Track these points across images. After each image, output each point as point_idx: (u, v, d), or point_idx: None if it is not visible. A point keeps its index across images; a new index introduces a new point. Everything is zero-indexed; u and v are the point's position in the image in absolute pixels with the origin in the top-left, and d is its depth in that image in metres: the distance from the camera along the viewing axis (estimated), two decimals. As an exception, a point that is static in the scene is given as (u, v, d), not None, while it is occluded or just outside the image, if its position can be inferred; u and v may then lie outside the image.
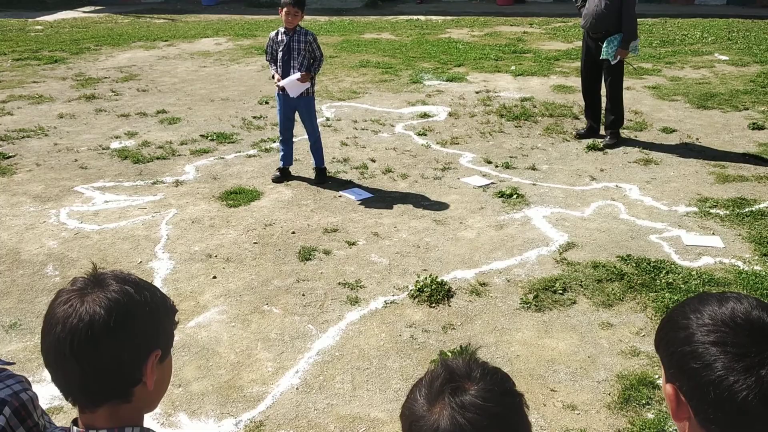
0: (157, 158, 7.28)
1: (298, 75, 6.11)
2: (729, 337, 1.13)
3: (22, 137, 8.03)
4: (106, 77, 11.04)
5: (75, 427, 1.30)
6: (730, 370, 1.10)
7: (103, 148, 7.62)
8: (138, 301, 1.28)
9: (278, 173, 6.63)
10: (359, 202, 6.11)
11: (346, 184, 6.50)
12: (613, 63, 7.14)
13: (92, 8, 20.29)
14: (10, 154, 7.43)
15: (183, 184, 6.56)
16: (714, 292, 1.27)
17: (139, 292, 1.30)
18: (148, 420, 3.48)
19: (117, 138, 7.98)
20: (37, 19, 17.98)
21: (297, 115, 6.52)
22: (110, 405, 1.28)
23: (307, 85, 6.25)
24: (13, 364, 1.56)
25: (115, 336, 1.24)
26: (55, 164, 7.16)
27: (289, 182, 6.57)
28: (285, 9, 6.07)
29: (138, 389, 1.30)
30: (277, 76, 6.25)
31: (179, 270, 4.99)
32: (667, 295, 4.47)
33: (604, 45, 7.12)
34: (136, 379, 1.29)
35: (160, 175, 6.80)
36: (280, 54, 6.22)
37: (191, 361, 3.96)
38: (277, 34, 6.29)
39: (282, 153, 6.62)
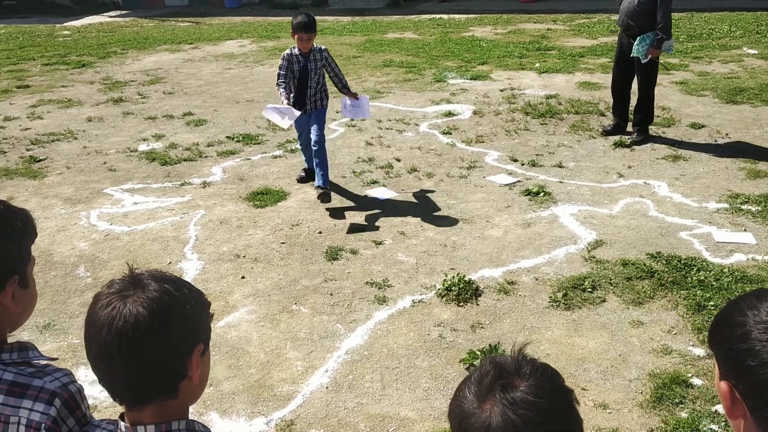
0: (185, 160, 7.35)
1: (366, 98, 6.43)
2: None
3: (53, 141, 8.15)
4: (132, 80, 11.17)
5: (122, 423, 1.33)
6: None
7: (131, 151, 7.71)
8: (178, 298, 1.30)
9: (303, 174, 6.63)
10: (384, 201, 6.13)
11: (372, 184, 6.51)
12: (643, 62, 7.06)
13: (118, 13, 20.54)
14: (41, 158, 7.56)
15: (210, 186, 6.62)
16: None
17: (177, 289, 1.32)
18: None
19: (144, 140, 8.07)
20: (65, 24, 18.25)
21: None
22: (158, 402, 1.30)
23: (367, 96, 6.59)
24: (56, 359, 1.59)
25: (160, 335, 1.26)
26: (85, 167, 7.26)
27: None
28: (297, 35, 5.93)
29: (183, 384, 1.32)
30: (286, 102, 5.96)
31: (208, 270, 5.04)
32: (698, 292, 4.42)
33: (636, 43, 7.03)
34: (182, 375, 1.31)
35: (188, 177, 6.87)
36: (296, 76, 6.05)
37: (221, 360, 3.99)
38: (291, 54, 6.07)
39: (305, 157, 6.64)
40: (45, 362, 1.50)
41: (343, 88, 6.34)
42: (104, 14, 20.11)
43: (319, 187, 5.91)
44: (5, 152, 7.80)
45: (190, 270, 5.04)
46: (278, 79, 6.12)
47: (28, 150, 7.85)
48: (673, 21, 7.39)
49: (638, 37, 7.00)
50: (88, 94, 10.37)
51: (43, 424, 1.39)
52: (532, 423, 1.08)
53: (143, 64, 12.48)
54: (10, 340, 1.55)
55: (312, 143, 6.09)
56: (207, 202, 6.23)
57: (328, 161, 6.08)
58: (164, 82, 11.06)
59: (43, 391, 1.41)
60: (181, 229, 5.71)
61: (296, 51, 6.04)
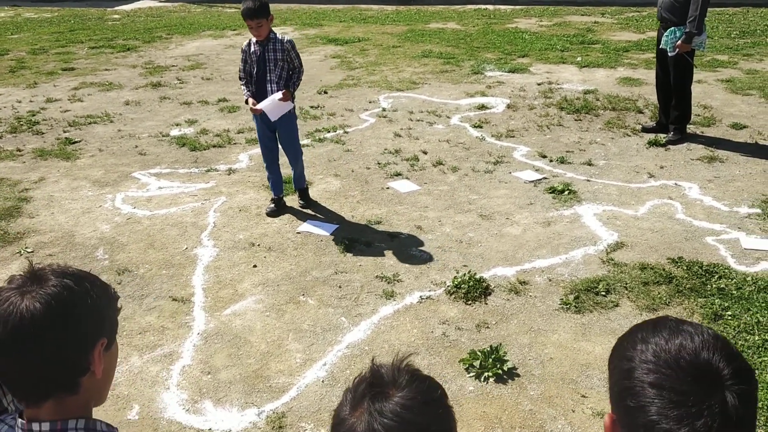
0: (214, 146, 7.41)
1: (278, 95, 5.27)
2: (668, 381, 1.04)
3: (89, 123, 8.32)
4: (173, 65, 11.32)
5: (20, 419, 1.32)
6: (663, 416, 1.02)
7: (163, 135, 7.81)
8: (78, 293, 1.29)
9: (273, 206, 5.76)
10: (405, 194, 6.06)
11: (395, 176, 6.45)
12: (670, 55, 6.81)
13: (168, -3, 20.84)
14: (76, 140, 7.71)
15: (235, 173, 6.66)
16: (674, 318, 1.16)
17: (78, 283, 1.31)
18: (175, 406, 3.54)
19: (177, 125, 8.17)
20: (116, 8, 18.60)
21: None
22: (56, 398, 1.30)
23: (290, 105, 5.41)
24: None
25: (55, 329, 1.25)
26: (117, 150, 7.38)
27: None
28: (246, 23, 5.23)
29: (86, 379, 1.32)
30: (251, 101, 5.37)
31: (222, 258, 5.07)
32: (716, 301, 4.25)
33: (665, 34, 6.80)
34: (83, 369, 1.31)
35: (215, 163, 6.92)
36: (254, 68, 5.38)
37: (222, 348, 4.01)
38: (249, 44, 5.40)
39: (270, 181, 5.81)
40: None
41: (286, 81, 5.44)
42: (155, -1, 20.42)
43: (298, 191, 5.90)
44: (43, 133, 8.00)
45: (204, 256, 5.08)
46: (239, 73, 5.55)
47: (65, 132, 8.02)
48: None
49: (668, 29, 6.76)
50: (129, 77, 10.55)
51: None
52: None
53: (186, 50, 12.63)
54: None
55: (290, 163, 5.76)
56: (230, 189, 6.27)
57: (304, 174, 5.90)
58: (204, 67, 11.17)
59: None
60: (200, 215, 5.76)
61: (254, 40, 5.37)
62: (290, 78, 5.47)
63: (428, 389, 1.13)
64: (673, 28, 6.71)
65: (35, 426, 1.29)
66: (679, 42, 6.66)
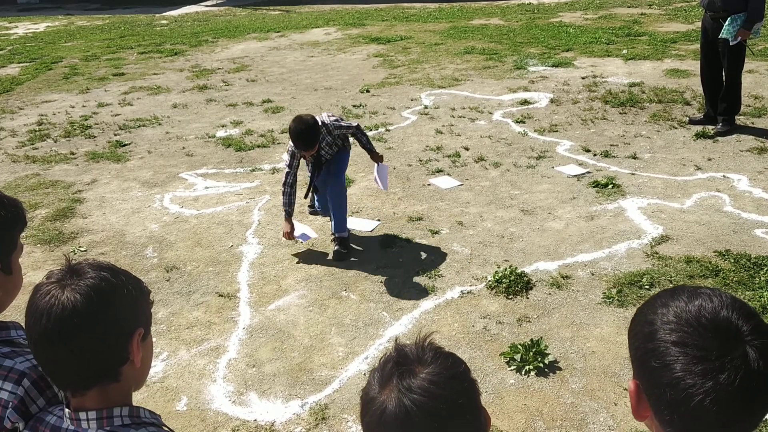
0: (258, 146, 7.54)
1: (384, 168, 5.26)
2: (691, 338, 1.08)
3: (139, 126, 8.55)
4: (219, 68, 11.54)
5: (67, 410, 1.38)
6: (688, 372, 1.06)
7: (210, 137, 7.98)
8: (115, 284, 1.34)
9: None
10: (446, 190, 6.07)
11: (436, 173, 6.46)
12: (732, 44, 6.64)
13: (214, 2, 21.23)
14: (126, 142, 7.94)
15: (279, 172, 6.77)
16: (691, 285, 1.19)
17: (114, 275, 1.36)
18: (222, 398, 3.64)
19: (223, 127, 8.34)
20: (164, 14, 19.04)
21: None
22: (100, 386, 1.34)
23: (387, 166, 5.40)
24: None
25: (98, 319, 1.30)
26: (165, 152, 7.58)
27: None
28: (301, 153, 4.91)
29: (126, 368, 1.36)
30: (289, 228, 4.98)
31: (266, 254, 5.16)
32: (765, 294, 4.16)
33: (726, 23, 6.61)
34: (124, 358, 1.35)
35: (259, 163, 7.05)
36: (310, 165, 5.09)
37: (267, 342, 4.10)
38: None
39: (319, 204, 5.39)
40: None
41: (339, 149, 5.19)
42: (201, 4, 20.83)
43: (337, 237, 5.08)
44: (95, 137, 8.25)
45: (249, 253, 5.19)
46: (286, 178, 4.96)
47: (115, 135, 8.27)
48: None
49: (729, 18, 6.57)
50: (177, 81, 10.80)
51: (10, 403, 1.45)
52: (425, 409, 1.09)
53: (231, 53, 12.86)
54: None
55: (333, 210, 5.09)
56: (274, 187, 6.38)
57: (347, 207, 5.17)
58: (249, 69, 11.36)
59: (13, 371, 1.47)
60: (245, 213, 5.87)
61: None
62: (362, 141, 5.21)
63: (452, 364, 1.16)
64: (734, 15, 6.53)
65: (82, 415, 1.34)
66: (741, 29, 6.51)
